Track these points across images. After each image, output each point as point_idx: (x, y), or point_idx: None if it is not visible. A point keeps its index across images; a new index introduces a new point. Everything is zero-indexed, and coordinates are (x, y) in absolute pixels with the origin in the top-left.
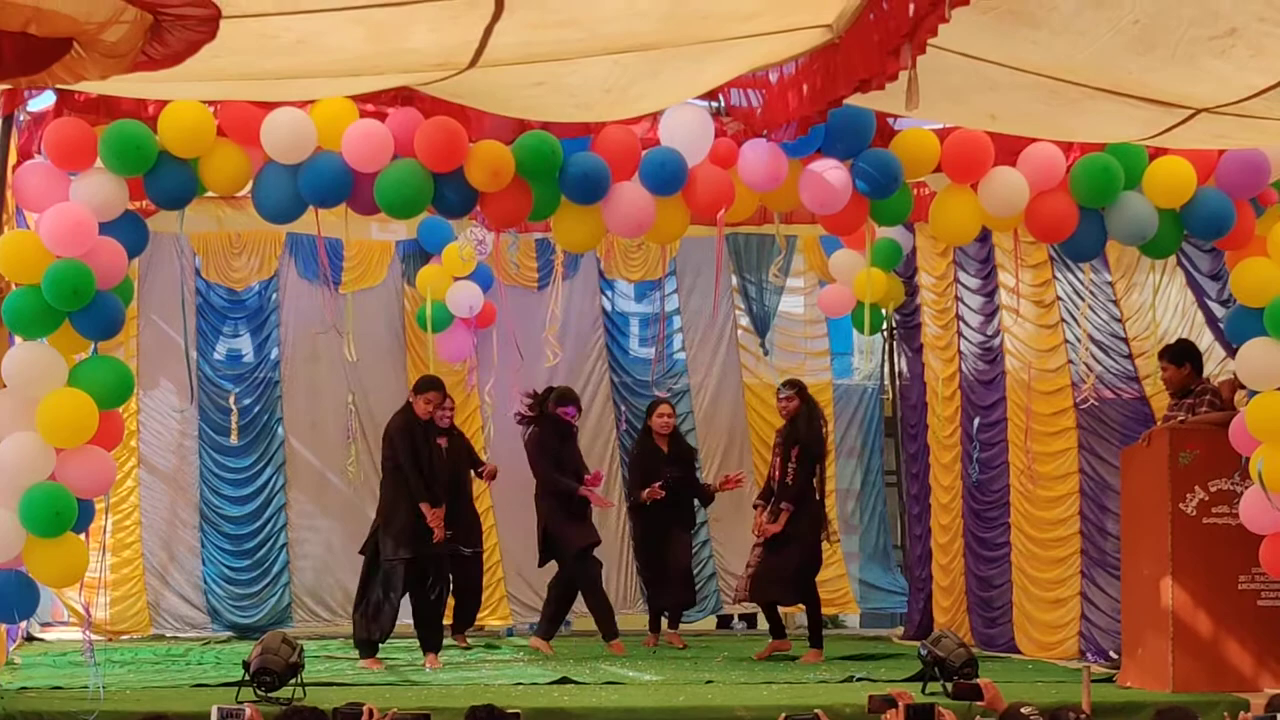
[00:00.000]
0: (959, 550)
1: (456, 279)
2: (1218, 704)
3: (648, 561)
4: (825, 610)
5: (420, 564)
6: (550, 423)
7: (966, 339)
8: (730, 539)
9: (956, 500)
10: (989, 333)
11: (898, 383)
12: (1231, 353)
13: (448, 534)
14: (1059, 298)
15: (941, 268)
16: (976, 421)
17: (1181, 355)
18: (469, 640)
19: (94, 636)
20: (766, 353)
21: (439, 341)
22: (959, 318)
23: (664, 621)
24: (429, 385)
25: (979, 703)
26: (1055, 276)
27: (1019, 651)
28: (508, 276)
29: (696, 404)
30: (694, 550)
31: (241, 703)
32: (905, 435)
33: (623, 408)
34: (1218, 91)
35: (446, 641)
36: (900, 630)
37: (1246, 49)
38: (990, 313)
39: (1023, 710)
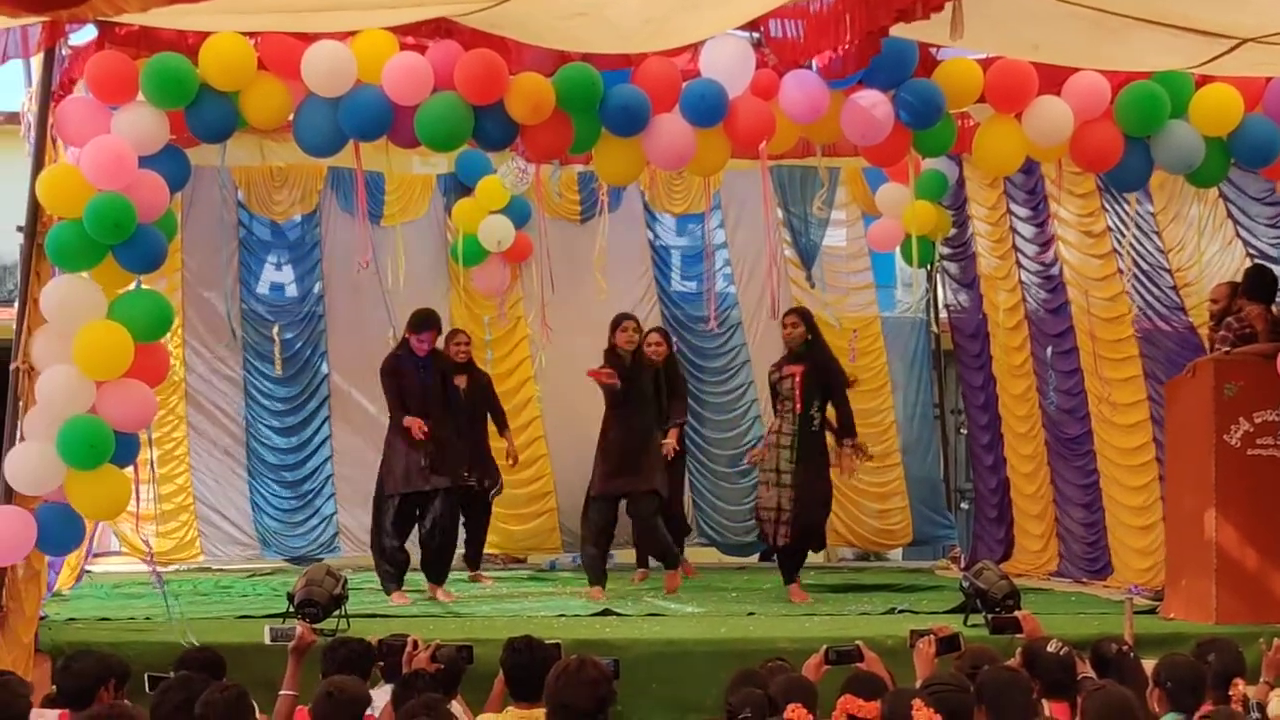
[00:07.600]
0: (1045, 478)
1: (491, 213)
2: (1260, 635)
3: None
4: (881, 544)
5: (412, 501)
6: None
7: (1025, 269)
8: None
9: (1036, 429)
10: (1046, 262)
11: (943, 315)
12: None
13: (465, 472)
14: (1109, 228)
15: (993, 199)
16: (1050, 351)
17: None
18: (487, 576)
19: (158, 568)
20: (813, 285)
21: (475, 275)
22: (1016, 249)
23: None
24: (420, 323)
25: (1019, 635)
26: (1104, 206)
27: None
28: (551, 209)
29: (750, 337)
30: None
31: (292, 624)
32: (966, 366)
33: (676, 341)
34: (1263, 21)
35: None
36: (943, 562)
37: None
38: (1044, 242)
39: (1049, 648)
